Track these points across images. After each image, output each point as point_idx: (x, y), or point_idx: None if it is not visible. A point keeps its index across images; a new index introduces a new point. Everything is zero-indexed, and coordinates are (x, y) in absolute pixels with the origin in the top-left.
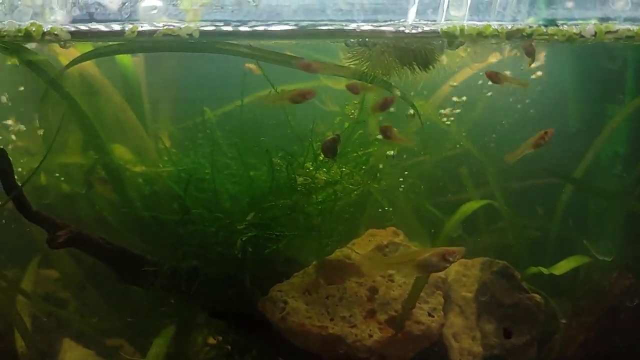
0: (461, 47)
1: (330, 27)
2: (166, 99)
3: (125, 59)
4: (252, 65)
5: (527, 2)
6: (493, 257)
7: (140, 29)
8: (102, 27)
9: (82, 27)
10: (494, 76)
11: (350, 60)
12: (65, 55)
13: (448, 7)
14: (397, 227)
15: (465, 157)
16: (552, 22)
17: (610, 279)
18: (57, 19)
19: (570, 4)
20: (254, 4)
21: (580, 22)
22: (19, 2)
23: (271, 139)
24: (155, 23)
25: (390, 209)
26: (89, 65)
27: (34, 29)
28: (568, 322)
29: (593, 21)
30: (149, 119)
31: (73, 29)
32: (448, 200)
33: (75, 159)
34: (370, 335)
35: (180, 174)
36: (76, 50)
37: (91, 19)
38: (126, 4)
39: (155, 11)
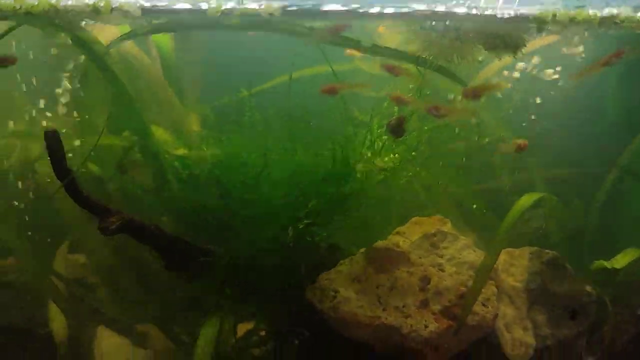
0: None
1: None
2: (206, 80)
3: (163, 38)
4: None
5: None
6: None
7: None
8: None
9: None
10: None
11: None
12: (104, 33)
13: None
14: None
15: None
16: None
17: None
18: None
19: None
20: None
21: None
22: None
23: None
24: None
25: (432, 196)
26: (128, 44)
27: (102, 5)
28: (619, 314)
29: None
30: (189, 99)
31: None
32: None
33: (112, 141)
34: (426, 326)
35: (226, 159)
36: (116, 28)
37: None
38: None
39: None
